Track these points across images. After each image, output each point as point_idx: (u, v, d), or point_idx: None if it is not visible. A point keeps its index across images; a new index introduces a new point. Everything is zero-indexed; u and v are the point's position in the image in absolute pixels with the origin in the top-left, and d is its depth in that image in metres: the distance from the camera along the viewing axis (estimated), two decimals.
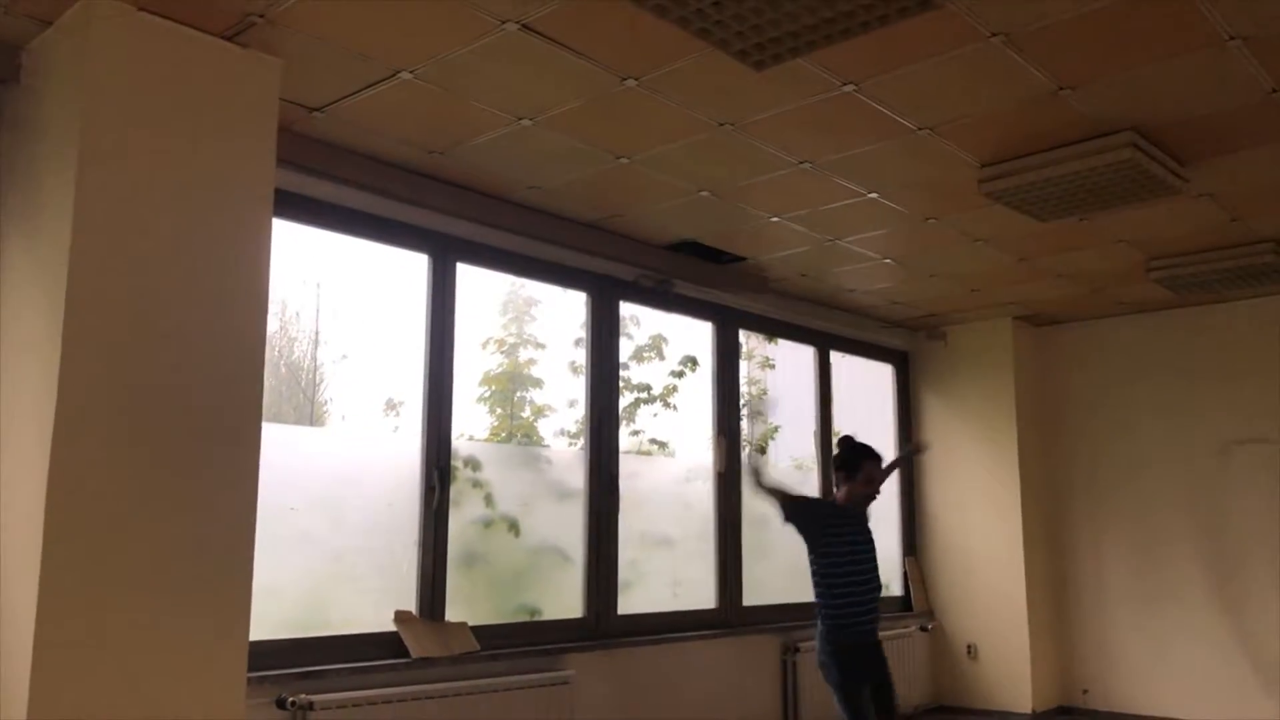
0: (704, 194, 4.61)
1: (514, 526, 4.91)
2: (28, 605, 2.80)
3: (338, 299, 4.59)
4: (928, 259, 5.72)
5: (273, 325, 3.83)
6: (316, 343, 4.70)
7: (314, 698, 3.83)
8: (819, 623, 4.15)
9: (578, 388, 5.52)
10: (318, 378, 4.60)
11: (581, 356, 5.51)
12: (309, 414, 4.59)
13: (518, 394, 5.68)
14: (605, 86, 3.54)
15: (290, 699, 3.78)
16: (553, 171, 4.33)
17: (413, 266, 4.73)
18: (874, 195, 4.65)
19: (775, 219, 4.98)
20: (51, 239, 3.00)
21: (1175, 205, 4.80)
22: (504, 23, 3.12)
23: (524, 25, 3.14)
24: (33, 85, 3.28)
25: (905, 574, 7.34)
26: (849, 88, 3.56)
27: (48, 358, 2.91)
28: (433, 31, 3.19)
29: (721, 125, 3.87)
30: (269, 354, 3.46)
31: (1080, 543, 7.21)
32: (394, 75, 3.47)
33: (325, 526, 4.29)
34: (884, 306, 6.83)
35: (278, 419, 4.39)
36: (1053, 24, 3.18)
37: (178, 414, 3.07)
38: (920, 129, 3.92)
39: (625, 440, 5.72)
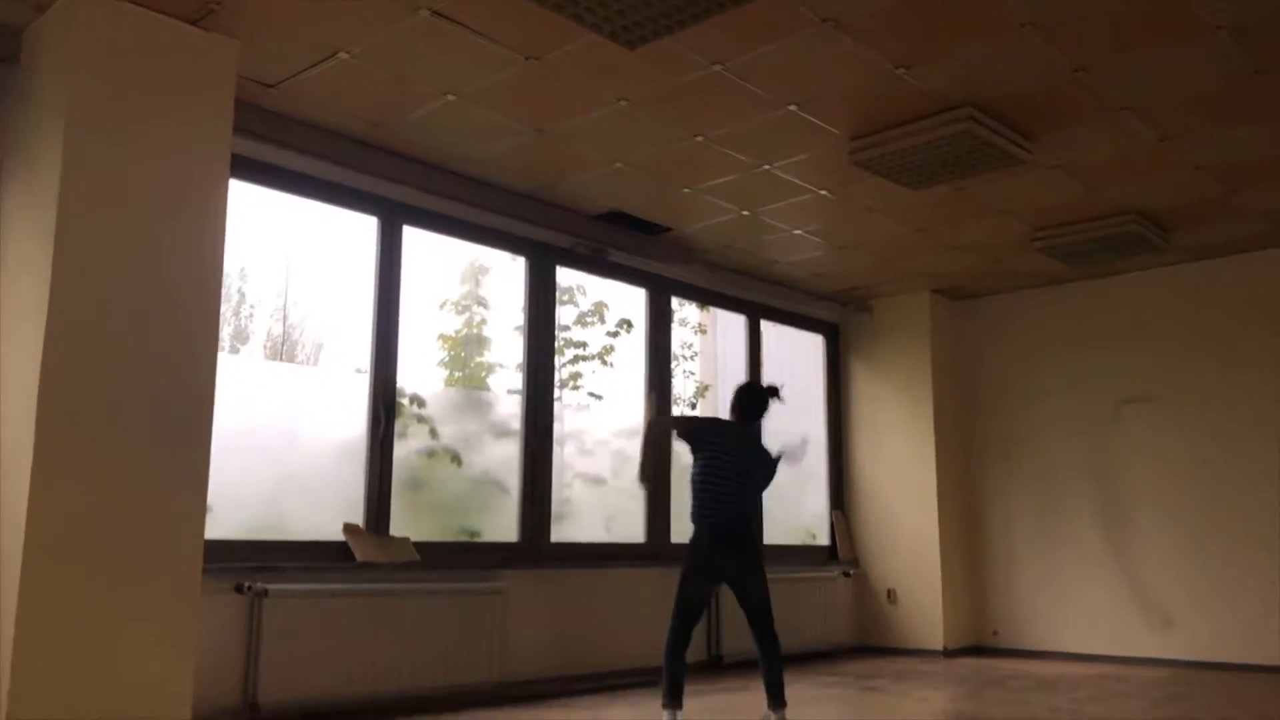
0: (618, 165, 5.24)
1: (456, 458, 5.54)
2: (19, 499, 3.42)
3: (304, 258, 5.24)
4: (837, 230, 6.34)
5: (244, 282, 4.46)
6: (286, 296, 5.34)
7: (269, 586, 4.46)
8: None
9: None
10: (286, 322, 5.22)
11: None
12: (279, 352, 5.20)
13: (474, 359, 6.33)
14: (512, 66, 4.18)
15: (248, 585, 4.41)
16: (481, 143, 4.96)
17: (365, 230, 5.36)
18: (766, 167, 5.28)
19: (687, 190, 5.61)
20: (44, 190, 3.64)
21: (1036, 177, 5.42)
22: (418, 9, 3.77)
23: (435, 11, 3.78)
24: (30, 64, 3.92)
25: (832, 526, 7.95)
26: (717, 67, 4.19)
27: (41, 282, 3.55)
28: (361, 15, 3.84)
29: (619, 101, 4.51)
30: (239, 297, 4.10)
31: (990, 497, 7.83)
32: (334, 55, 4.12)
33: (284, 448, 4.92)
34: (809, 279, 7.44)
35: (242, 355, 5.00)
36: (878, 9, 3.80)
37: (149, 332, 3.71)
38: (789, 105, 4.55)
39: (567, 395, 6.36)
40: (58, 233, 3.54)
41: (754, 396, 4.69)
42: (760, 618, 4.31)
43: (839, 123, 4.75)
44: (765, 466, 4.56)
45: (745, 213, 5.99)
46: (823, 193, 5.64)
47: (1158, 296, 7.18)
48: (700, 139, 4.90)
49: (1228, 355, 6.81)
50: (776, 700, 4.16)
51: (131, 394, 3.66)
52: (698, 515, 4.33)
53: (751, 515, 4.50)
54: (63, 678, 3.39)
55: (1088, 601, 7.23)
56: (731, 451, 4.41)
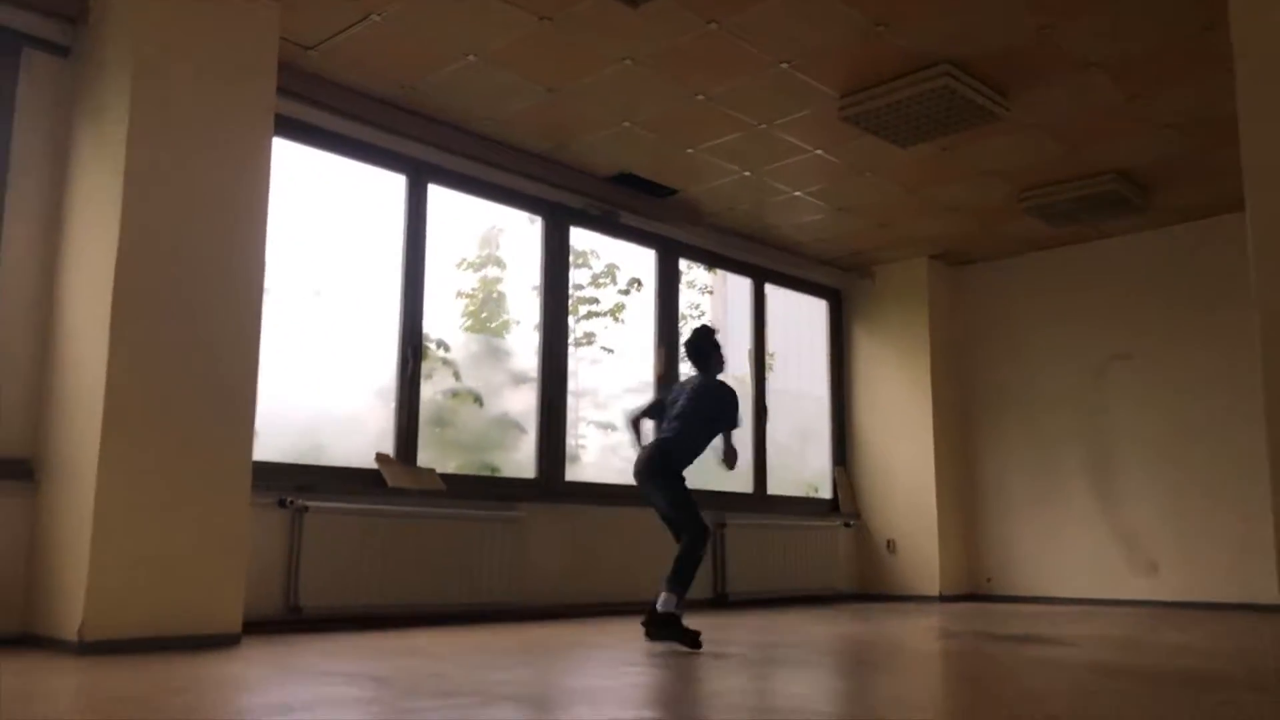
0: (625, 124, 5.68)
1: (478, 399, 5.99)
2: (93, 429, 3.90)
3: (339, 209, 5.69)
4: (835, 191, 6.74)
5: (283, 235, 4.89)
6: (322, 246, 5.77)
7: (309, 503, 4.92)
8: None
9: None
10: (323, 264, 5.65)
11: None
12: (317, 297, 5.63)
13: (494, 316, 6.78)
14: (527, 26, 4.62)
15: (290, 500, 4.87)
16: (499, 103, 5.41)
17: (393, 188, 5.81)
18: (764, 127, 5.70)
19: (691, 150, 6.03)
20: (113, 136, 4.11)
21: (1017, 137, 5.81)
22: None
23: None
24: (96, 23, 4.39)
25: (834, 481, 8.36)
26: (713, 25, 4.62)
27: (112, 216, 4.02)
28: None
29: (623, 60, 4.94)
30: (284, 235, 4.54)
31: (984, 452, 8.22)
32: (366, 17, 4.58)
33: (322, 385, 5.38)
34: (813, 244, 7.85)
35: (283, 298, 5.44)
36: None
37: (202, 272, 4.19)
38: (780, 63, 4.97)
39: (581, 351, 6.79)
40: (126, 173, 4.01)
41: (692, 342, 4.86)
42: (671, 525, 4.64)
43: (828, 80, 5.17)
44: (714, 402, 4.70)
45: (747, 174, 6.40)
46: (818, 152, 6.05)
47: (1143, 258, 7.54)
48: (701, 98, 5.33)
49: (1209, 313, 7.18)
50: (667, 580, 4.36)
51: (186, 328, 4.12)
52: None
53: (680, 446, 4.64)
54: (131, 580, 3.86)
55: (1077, 549, 7.60)
56: (677, 402, 4.74)
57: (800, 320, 8.69)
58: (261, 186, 4.42)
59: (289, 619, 4.79)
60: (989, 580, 8.04)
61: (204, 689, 2.93)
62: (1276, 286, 2.76)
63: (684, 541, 4.49)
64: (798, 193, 6.76)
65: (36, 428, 4.17)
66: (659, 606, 4.31)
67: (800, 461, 8.42)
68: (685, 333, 7.28)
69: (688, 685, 3.20)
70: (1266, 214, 2.86)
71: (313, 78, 5.10)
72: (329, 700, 2.74)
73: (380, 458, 5.43)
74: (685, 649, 4.14)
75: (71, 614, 3.76)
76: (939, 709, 2.76)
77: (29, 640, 3.92)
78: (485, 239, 6.50)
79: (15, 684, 2.92)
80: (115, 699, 2.72)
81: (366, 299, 5.66)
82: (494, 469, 6.05)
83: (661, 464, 4.60)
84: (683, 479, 4.62)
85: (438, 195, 5.91)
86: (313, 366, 5.38)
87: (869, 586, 8.17)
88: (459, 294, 6.41)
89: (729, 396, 4.73)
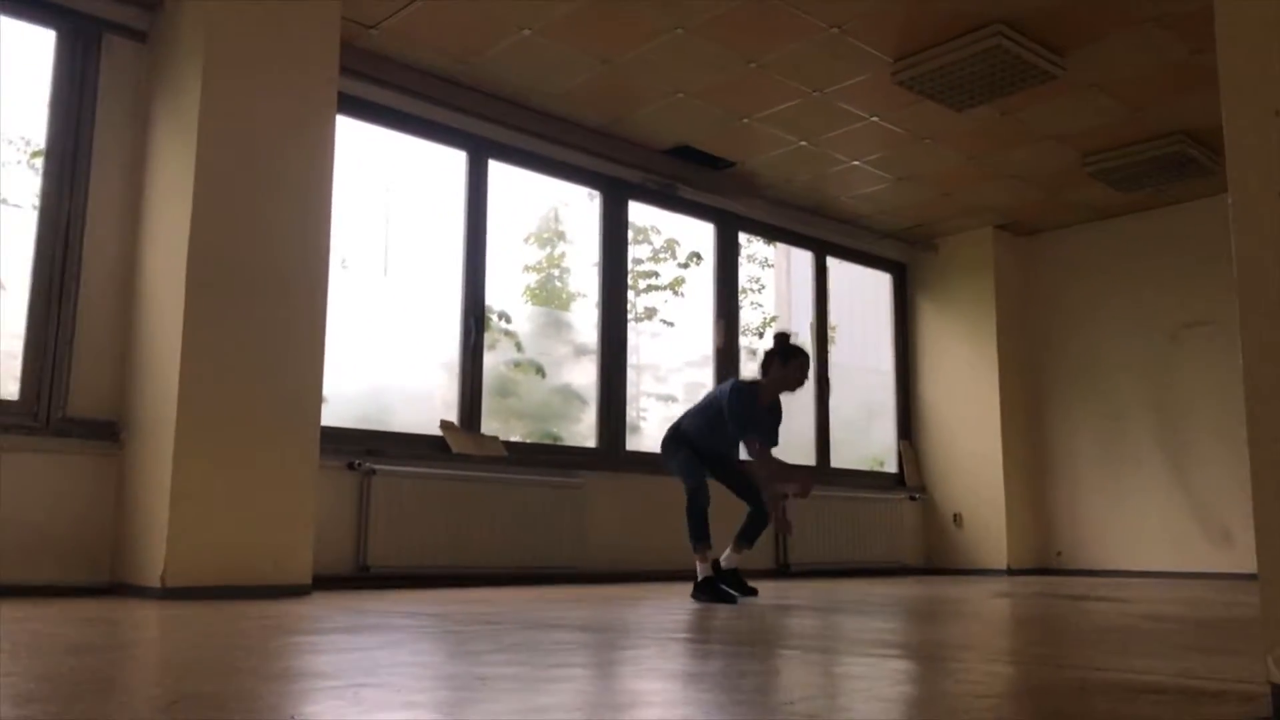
0: (680, 95, 5.78)
1: (540, 370, 6.15)
2: (171, 382, 4.14)
3: (404, 191, 5.90)
4: (896, 160, 6.76)
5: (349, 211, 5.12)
6: (388, 222, 6.00)
7: (377, 466, 5.13)
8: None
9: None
10: (388, 240, 5.88)
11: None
12: (385, 269, 5.86)
13: (557, 290, 6.94)
14: None
15: (358, 462, 5.09)
16: (555, 77, 5.56)
17: (455, 165, 6.00)
18: (819, 94, 5.75)
19: (746, 120, 6.11)
20: (186, 121, 4.36)
21: (1075, 98, 5.77)
22: None
23: None
24: (172, 10, 4.64)
25: (900, 454, 8.36)
26: None
27: (184, 199, 4.27)
28: None
29: (675, 29, 5.05)
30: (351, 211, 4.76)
31: (1052, 423, 8.14)
32: None
33: (389, 354, 5.60)
34: (875, 216, 7.87)
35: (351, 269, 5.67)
36: None
37: (273, 248, 4.42)
38: (832, 27, 5.03)
39: (642, 324, 6.91)
40: (199, 153, 4.26)
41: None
42: (735, 492, 4.80)
43: (880, 44, 5.20)
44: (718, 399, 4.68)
45: (805, 144, 6.45)
46: (875, 119, 6.08)
47: (1216, 223, 7.39)
48: (754, 65, 5.41)
49: None
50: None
51: (256, 300, 4.35)
52: None
53: (702, 436, 4.69)
54: (208, 533, 4.10)
55: (1149, 519, 7.50)
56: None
57: (864, 293, 8.70)
58: (327, 163, 4.62)
59: (358, 576, 5.00)
60: (1059, 554, 7.98)
61: (279, 616, 3.13)
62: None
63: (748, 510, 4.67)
64: (857, 162, 6.78)
65: (121, 393, 4.44)
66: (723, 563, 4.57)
67: (864, 436, 8.44)
68: (745, 306, 7.36)
69: (737, 619, 3.30)
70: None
71: (374, 56, 5.30)
72: (389, 626, 2.91)
73: (445, 424, 5.62)
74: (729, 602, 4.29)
75: (155, 563, 4.01)
76: (981, 646, 2.82)
77: (118, 589, 4.19)
78: (549, 218, 6.68)
79: (107, 612, 3.16)
80: (194, 620, 2.93)
81: (432, 274, 5.87)
82: (556, 437, 6.20)
83: (669, 443, 4.78)
84: (686, 449, 4.69)
85: (498, 171, 6.08)
86: (381, 340, 5.60)
87: (935, 560, 8.16)
88: (526, 268, 6.59)
89: (726, 394, 4.56)
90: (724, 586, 4.42)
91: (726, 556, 4.67)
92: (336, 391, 5.01)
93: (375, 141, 5.61)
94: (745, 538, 4.68)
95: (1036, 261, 8.38)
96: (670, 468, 4.79)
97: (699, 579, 4.42)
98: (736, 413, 4.50)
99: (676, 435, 4.76)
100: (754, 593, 4.59)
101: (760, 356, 4.75)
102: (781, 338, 4.67)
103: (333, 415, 4.97)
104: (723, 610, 3.82)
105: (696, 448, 4.67)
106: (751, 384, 4.63)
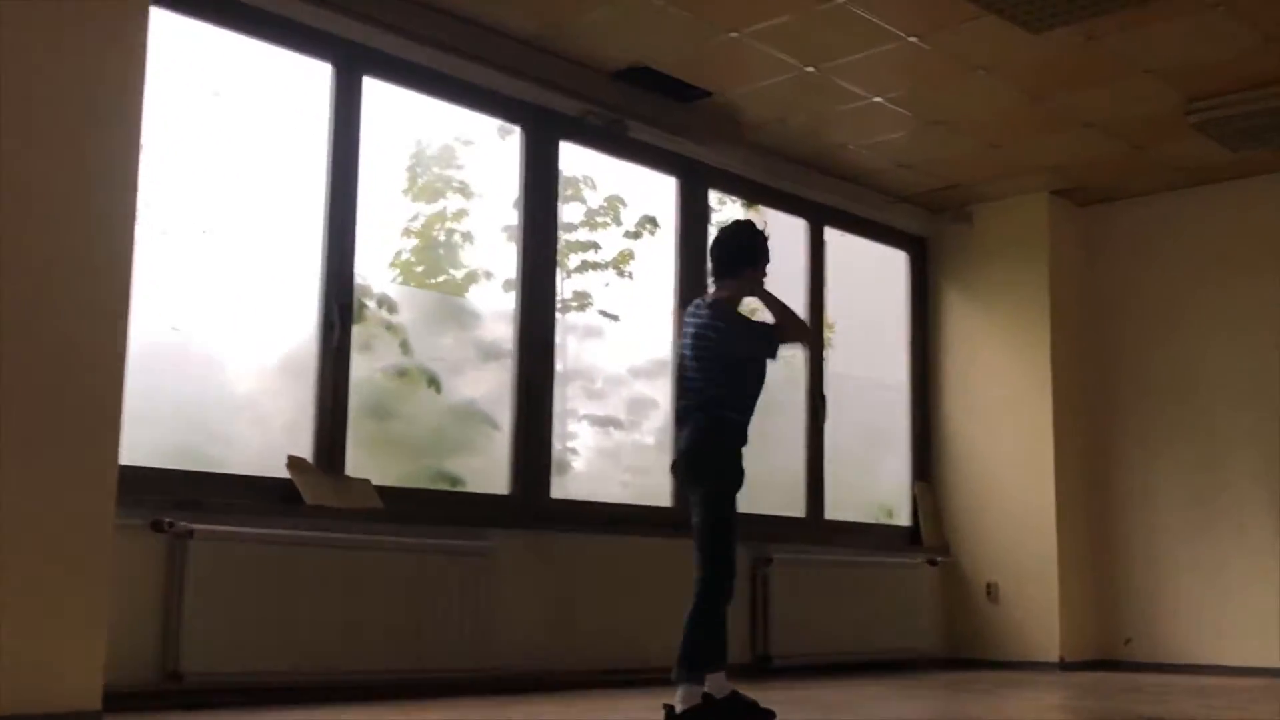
0: None
1: (434, 382, 5.80)
2: None
3: (237, 110, 5.48)
4: (928, 96, 6.56)
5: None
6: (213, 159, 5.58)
7: (195, 526, 4.72)
8: None
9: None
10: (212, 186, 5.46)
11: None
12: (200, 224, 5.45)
13: (452, 262, 6.59)
14: None
15: (168, 522, 4.66)
16: None
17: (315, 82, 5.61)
18: (835, 2, 5.49)
19: (734, 34, 5.83)
20: None
21: (1192, 21, 5.63)
22: None
23: None
24: None
25: (914, 501, 8.22)
26: None
27: None
28: None
29: None
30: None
31: (1124, 463, 8.08)
32: None
33: (213, 358, 5.19)
34: (891, 171, 7.68)
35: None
36: None
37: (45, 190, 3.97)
38: None
39: (572, 317, 6.62)
40: None
41: (721, 241, 4.79)
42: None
43: None
44: (715, 331, 4.48)
45: (809, 69, 6.21)
46: (911, 39, 5.85)
47: None
48: None
49: None
50: (676, 665, 4.22)
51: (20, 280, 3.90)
52: None
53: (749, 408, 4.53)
54: None
55: (1254, 603, 7.46)
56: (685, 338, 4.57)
57: (871, 278, 8.55)
58: (135, 75, 4.20)
59: (166, 689, 4.64)
60: (1128, 641, 7.92)
61: None
62: None
63: (699, 587, 4.34)
64: (877, 98, 6.57)
65: None
66: (677, 707, 4.13)
67: (869, 475, 8.35)
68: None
69: None
70: None
71: None
72: None
73: (294, 462, 5.25)
74: None
75: None
76: None
77: None
78: (444, 155, 6.32)
79: None
80: None
81: (277, 238, 5.49)
82: (453, 480, 5.90)
83: (685, 458, 4.48)
84: (723, 482, 4.40)
85: (375, 92, 5.74)
86: (198, 334, 5.20)
87: (962, 648, 8.04)
88: (406, 232, 6.25)
89: (722, 329, 4.45)
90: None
91: (681, 697, 4.16)
92: (135, 409, 4.56)
93: (201, 43, 5.21)
94: (693, 656, 4.23)
95: (1107, 240, 8.31)
96: (712, 517, 4.37)
97: (680, 712, 4.11)
98: (760, 333, 4.58)
99: (722, 426, 4.40)
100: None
101: (713, 256, 4.74)
102: (748, 226, 4.78)
103: (132, 448, 4.52)
104: None
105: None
106: (722, 300, 4.57)
